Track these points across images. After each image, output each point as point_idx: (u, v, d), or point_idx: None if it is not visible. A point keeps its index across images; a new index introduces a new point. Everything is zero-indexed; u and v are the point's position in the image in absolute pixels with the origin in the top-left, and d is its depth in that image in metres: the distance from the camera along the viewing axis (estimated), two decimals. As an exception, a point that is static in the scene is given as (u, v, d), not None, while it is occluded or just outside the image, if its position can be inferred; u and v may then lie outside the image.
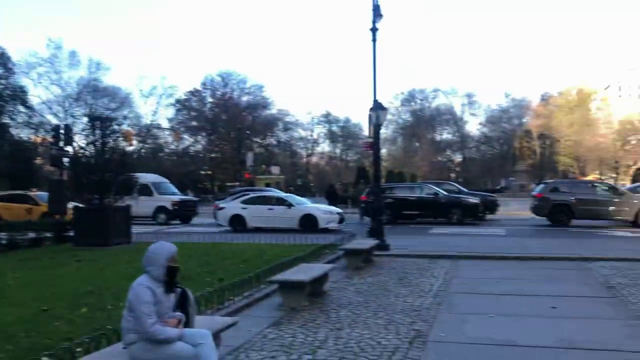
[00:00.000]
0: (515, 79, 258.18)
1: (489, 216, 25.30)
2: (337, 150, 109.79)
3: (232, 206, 21.92)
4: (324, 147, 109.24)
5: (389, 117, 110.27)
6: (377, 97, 17.64)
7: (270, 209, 21.03)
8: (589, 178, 73.11)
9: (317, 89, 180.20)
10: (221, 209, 21.94)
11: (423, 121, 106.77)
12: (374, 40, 17.59)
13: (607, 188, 22.43)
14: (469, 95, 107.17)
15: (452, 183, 29.42)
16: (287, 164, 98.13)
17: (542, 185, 23.02)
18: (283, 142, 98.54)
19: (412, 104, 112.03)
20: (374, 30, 17.57)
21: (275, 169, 76.95)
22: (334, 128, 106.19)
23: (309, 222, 19.97)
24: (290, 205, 20.91)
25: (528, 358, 5.42)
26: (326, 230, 19.05)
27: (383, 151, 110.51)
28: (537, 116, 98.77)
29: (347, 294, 8.50)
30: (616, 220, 20.73)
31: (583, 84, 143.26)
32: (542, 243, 15.16)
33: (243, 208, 21.20)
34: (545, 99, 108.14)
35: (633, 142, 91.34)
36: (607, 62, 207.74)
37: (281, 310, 7.43)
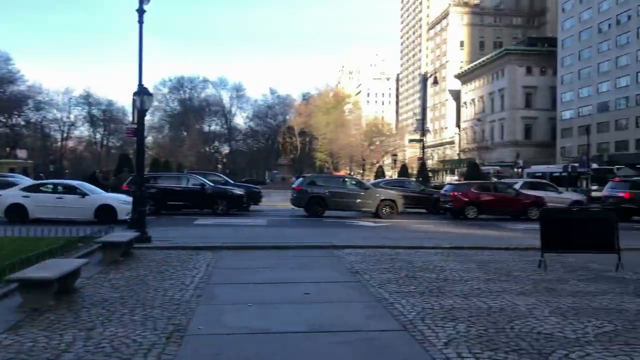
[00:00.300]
0: (281, 75, 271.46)
1: (253, 207, 26.16)
2: (98, 135, 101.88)
3: (10, 194, 18.92)
4: (83, 130, 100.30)
5: (155, 104, 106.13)
6: (143, 82, 17.01)
7: (59, 198, 18.78)
8: (341, 173, 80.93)
9: (77, 67, 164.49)
10: None
11: (192, 111, 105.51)
12: (141, 22, 16.72)
13: (354, 183, 25.08)
14: (238, 89, 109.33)
15: (219, 174, 29.72)
16: (38, 147, 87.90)
17: (300, 179, 24.67)
18: (33, 123, 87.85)
19: (181, 92, 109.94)
20: (140, 11, 16.70)
21: (22, 153, 68.12)
22: (95, 111, 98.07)
23: (106, 213, 18.22)
24: (83, 194, 18.84)
25: (280, 344, 5.68)
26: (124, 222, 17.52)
27: (148, 139, 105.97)
28: (299, 114, 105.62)
29: (102, 291, 7.92)
30: (362, 211, 23.24)
31: (339, 87, 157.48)
32: (299, 233, 16.22)
33: (24, 196, 18.51)
34: (306, 99, 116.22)
35: (377, 143, 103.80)
36: (360, 69, 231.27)
37: (21, 312, 6.58)
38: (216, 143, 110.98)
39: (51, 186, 19.94)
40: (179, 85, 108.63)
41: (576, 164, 44.56)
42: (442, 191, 25.96)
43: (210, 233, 15.59)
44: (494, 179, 43.26)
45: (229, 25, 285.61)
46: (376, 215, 22.91)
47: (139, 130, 16.84)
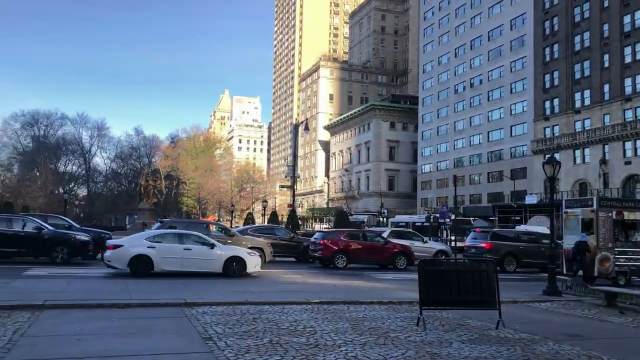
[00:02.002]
0: (146, 114, 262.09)
1: (101, 255, 23.18)
2: None
3: (134, 244, 16.72)
4: None
5: (4, 139, 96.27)
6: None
7: (187, 249, 16.70)
8: (209, 219, 77.78)
9: None
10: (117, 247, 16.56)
11: (46, 149, 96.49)
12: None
13: (220, 229, 23.07)
14: (100, 127, 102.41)
15: (63, 217, 26.16)
16: None
17: (157, 224, 22.20)
18: None
19: (35, 128, 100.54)
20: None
21: None
22: None
23: (236, 265, 17.00)
24: (212, 245, 17.09)
25: None
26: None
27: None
28: (166, 157, 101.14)
29: None
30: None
31: (210, 131, 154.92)
32: (149, 287, 13.85)
33: (150, 247, 16.47)
34: (174, 141, 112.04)
35: (248, 189, 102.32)
36: (233, 115, 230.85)
37: None
38: (73, 184, 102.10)
39: (175, 235, 17.68)
40: (33, 121, 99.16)
41: (437, 215, 46.47)
42: (311, 239, 24.92)
43: (38, 287, 12.85)
44: (366, 228, 43.52)
45: (97, 63, 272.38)
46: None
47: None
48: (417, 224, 50.85)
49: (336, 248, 22.84)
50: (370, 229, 36.79)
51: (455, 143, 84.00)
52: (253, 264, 17.33)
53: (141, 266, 16.15)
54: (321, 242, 23.08)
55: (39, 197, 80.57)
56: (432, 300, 9.28)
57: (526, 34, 69.63)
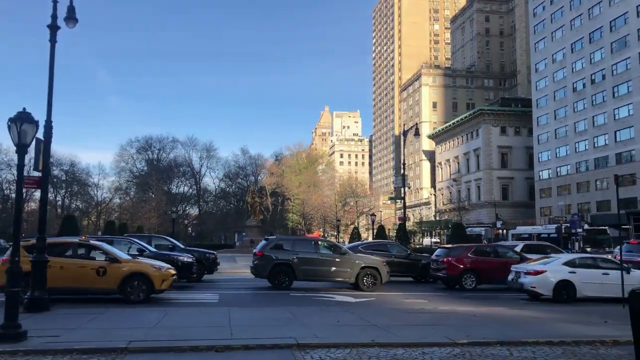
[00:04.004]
0: (252, 136, 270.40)
1: (207, 276, 21.84)
2: (59, 197, 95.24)
3: (555, 269, 16.54)
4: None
5: (122, 164, 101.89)
6: (52, 117, 13.13)
7: (605, 274, 16.42)
8: (314, 235, 76.62)
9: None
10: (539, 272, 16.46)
11: (158, 171, 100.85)
12: (53, 41, 13.12)
13: (329, 246, 20.58)
14: (208, 149, 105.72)
15: (167, 238, 25.28)
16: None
17: (263, 242, 20.34)
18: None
19: (149, 152, 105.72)
20: (53, 27, 13.10)
21: None
22: (56, 171, 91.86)
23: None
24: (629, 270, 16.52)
25: None
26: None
27: (115, 201, 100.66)
28: (271, 174, 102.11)
29: None
30: (337, 282, 19.10)
31: (312, 147, 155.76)
32: (254, 317, 11.83)
33: (571, 272, 16.37)
34: (278, 159, 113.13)
35: (351, 203, 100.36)
36: (333, 130, 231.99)
37: None
38: (185, 205, 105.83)
39: (592, 260, 17.63)
40: (147, 145, 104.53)
41: (567, 224, 41.43)
42: (433, 256, 21.97)
43: (129, 319, 11.16)
44: (484, 241, 39.65)
45: (202, 86, 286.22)
46: (356, 286, 18.77)
47: (43, 178, 12.80)
48: (542, 235, 45.88)
49: (463, 267, 19.80)
50: (499, 243, 33.00)
51: (576, 146, 76.64)
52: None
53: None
54: (445, 259, 20.12)
55: (152, 218, 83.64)
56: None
57: (657, 19, 62.02)
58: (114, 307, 13.07)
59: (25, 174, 10.36)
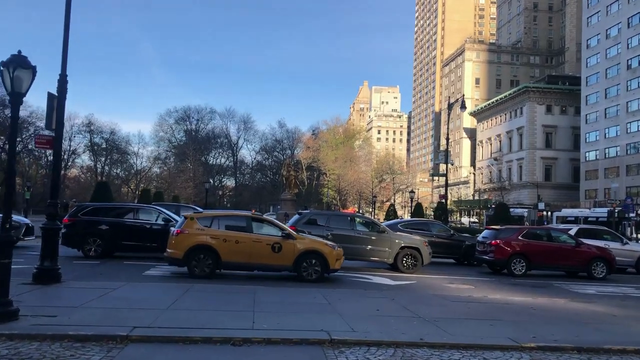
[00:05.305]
0: (290, 109, 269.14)
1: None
2: (99, 164, 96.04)
3: None
4: (85, 159, 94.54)
5: (161, 134, 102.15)
6: (67, 71, 11.91)
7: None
8: (349, 211, 75.16)
9: (81, 93, 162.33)
10: None
11: (196, 142, 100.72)
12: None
13: (366, 223, 18.86)
14: (246, 121, 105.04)
15: (195, 207, 24.22)
16: (34, 175, 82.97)
17: (296, 217, 18.97)
18: (31, 150, 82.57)
19: (187, 123, 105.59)
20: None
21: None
22: (97, 139, 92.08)
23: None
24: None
25: None
26: None
27: (154, 170, 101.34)
28: (307, 148, 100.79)
29: None
30: (374, 261, 17.66)
31: (350, 123, 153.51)
32: (281, 301, 10.41)
33: None
34: (315, 134, 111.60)
35: (388, 180, 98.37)
36: (372, 106, 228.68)
37: None
38: (221, 176, 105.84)
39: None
40: (185, 116, 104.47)
41: (620, 208, 38.83)
42: (479, 238, 20.25)
43: (142, 298, 9.92)
44: (527, 223, 37.53)
45: (242, 58, 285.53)
46: (394, 267, 17.32)
47: (56, 138, 11.63)
48: (589, 218, 43.29)
49: (512, 250, 18.06)
50: (550, 226, 30.92)
51: (628, 126, 72.56)
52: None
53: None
54: (493, 242, 18.38)
55: (188, 188, 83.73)
56: None
57: None
58: (134, 282, 11.98)
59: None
